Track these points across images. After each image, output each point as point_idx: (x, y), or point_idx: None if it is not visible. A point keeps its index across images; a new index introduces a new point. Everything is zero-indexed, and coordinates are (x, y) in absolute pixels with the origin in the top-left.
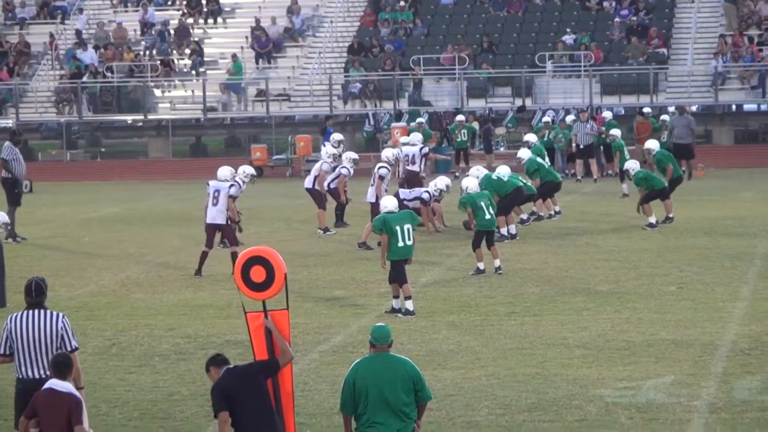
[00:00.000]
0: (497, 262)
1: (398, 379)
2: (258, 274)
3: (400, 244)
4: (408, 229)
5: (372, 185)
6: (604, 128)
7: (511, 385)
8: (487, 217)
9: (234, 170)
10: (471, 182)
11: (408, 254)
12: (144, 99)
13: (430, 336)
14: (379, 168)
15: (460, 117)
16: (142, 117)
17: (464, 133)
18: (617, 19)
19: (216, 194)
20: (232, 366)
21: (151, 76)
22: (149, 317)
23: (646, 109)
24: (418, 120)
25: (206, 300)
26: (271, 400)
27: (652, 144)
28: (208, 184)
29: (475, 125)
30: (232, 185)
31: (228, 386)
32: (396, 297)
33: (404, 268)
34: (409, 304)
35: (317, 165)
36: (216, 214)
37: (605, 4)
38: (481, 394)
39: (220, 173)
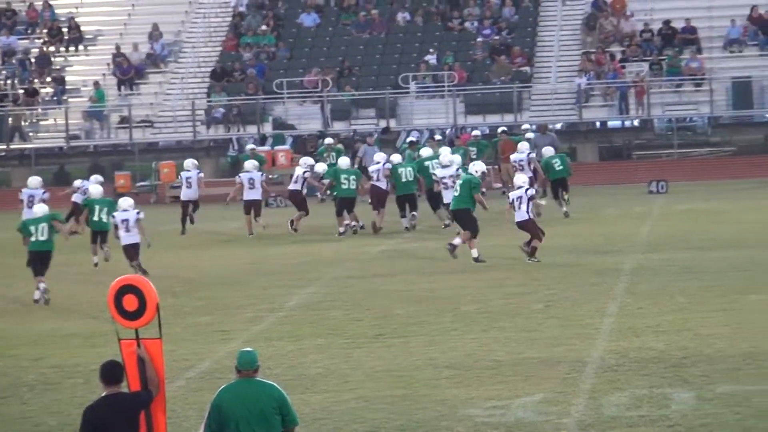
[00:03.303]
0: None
1: (264, 404)
2: (130, 302)
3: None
4: (43, 228)
5: None
6: (472, 148)
7: (380, 408)
8: (96, 219)
9: (42, 180)
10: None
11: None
12: (7, 128)
13: (298, 360)
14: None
15: (328, 140)
16: (5, 146)
17: (333, 155)
18: (480, 39)
19: (30, 199)
20: (113, 393)
21: (14, 105)
22: (14, 347)
23: (501, 129)
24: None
25: (73, 329)
26: None
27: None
28: (21, 191)
29: (340, 147)
30: (45, 191)
31: (96, 416)
32: None
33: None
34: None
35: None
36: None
37: (467, 24)
38: (350, 417)
39: (31, 182)
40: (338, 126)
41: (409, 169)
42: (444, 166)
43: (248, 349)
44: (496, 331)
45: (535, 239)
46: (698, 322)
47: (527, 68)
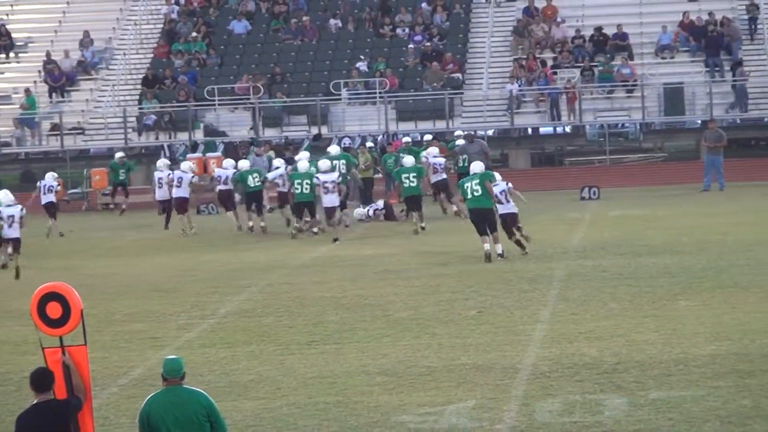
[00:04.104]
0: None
1: (192, 412)
2: (54, 310)
3: None
4: None
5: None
6: (403, 154)
7: (313, 414)
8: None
9: None
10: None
11: None
12: None
13: (230, 367)
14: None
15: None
16: None
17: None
18: (411, 45)
19: None
20: (44, 400)
21: None
22: None
23: (427, 136)
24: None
25: (2, 336)
26: None
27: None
28: None
29: (272, 154)
30: None
31: (29, 423)
32: None
33: None
34: None
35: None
36: None
37: (399, 30)
38: (282, 424)
39: None
40: (269, 133)
41: (306, 180)
42: (325, 172)
43: (173, 356)
44: (428, 338)
45: (521, 230)
46: (630, 329)
47: (459, 75)
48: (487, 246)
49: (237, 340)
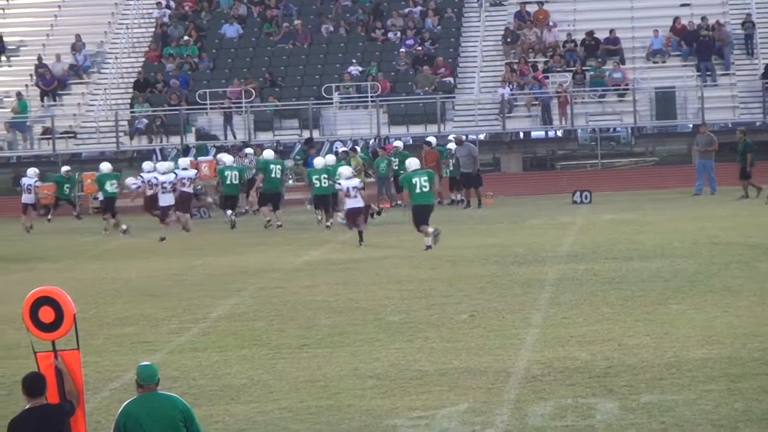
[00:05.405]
0: None
1: (169, 417)
2: (46, 314)
3: None
4: None
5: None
6: (394, 158)
7: (305, 418)
8: None
9: None
10: None
11: None
12: None
13: (222, 371)
14: None
15: (248, 150)
16: None
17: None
18: (403, 50)
19: None
20: (37, 405)
21: None
22: None
23: (431, 138)
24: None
25: None
26: None
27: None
28: None
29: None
30: None
31: (22, 429)
32: None
33: None
34: None
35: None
36: None
37: (390, 34)
38: (274, 427)
39: None
40: (261, 137)
41: (235, 172)
42: (164, 173)
43: (147, 363)
44: (420, 341)
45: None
46: (622, 332)
47: (450, 79)
48: (428, 240)
49: (229, 344)
